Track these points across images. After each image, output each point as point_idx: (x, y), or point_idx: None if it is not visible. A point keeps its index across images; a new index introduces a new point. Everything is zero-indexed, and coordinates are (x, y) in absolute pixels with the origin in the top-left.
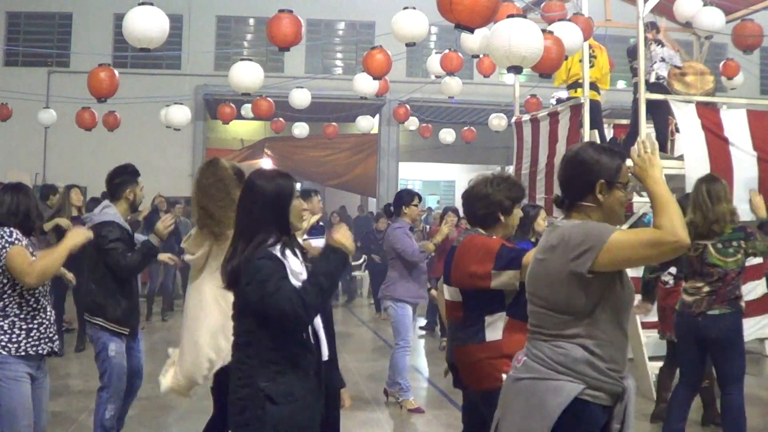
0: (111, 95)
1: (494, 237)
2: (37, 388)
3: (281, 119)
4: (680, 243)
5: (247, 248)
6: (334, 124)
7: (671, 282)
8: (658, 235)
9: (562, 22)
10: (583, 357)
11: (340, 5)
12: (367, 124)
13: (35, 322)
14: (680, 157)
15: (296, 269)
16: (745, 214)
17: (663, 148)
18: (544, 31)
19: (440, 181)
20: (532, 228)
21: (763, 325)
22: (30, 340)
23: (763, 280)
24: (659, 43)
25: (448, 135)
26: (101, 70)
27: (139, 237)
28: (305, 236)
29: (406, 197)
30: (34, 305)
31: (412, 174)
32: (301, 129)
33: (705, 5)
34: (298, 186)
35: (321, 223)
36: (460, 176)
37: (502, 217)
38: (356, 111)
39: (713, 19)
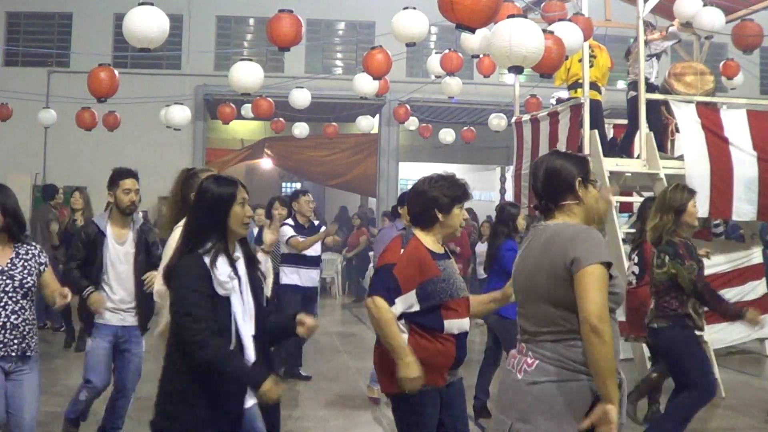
0: (111, 95)
1: (402, 250)
2: (15, 384)
3: (281, 119)
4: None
5: (181, 252)
6: (334, 124)
7: (634, 282)
8: (598, 326)
9: (563, 22)
10: None
11: (340, 5)
12: (367, 124)
13: None
14: (680, 157)
15: (223, 279)
16: (747, 214)
17: (662, 147)
18: (544, 31)
19: None
20: (515, 226)
21: (763, 325)
22: None
23: (763, 280)
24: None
25: (448, 135)
26: (101, 70)
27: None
28: (293, 233)
29: (404, 197)
30: None
31: (412, 174)
32: (301, 129)
33: (705, 5)
34: (238, 192)
35: (317, 222)
36: (460, 176)
37: (440, 216)
38: (356, 111)
39: (713, 19)
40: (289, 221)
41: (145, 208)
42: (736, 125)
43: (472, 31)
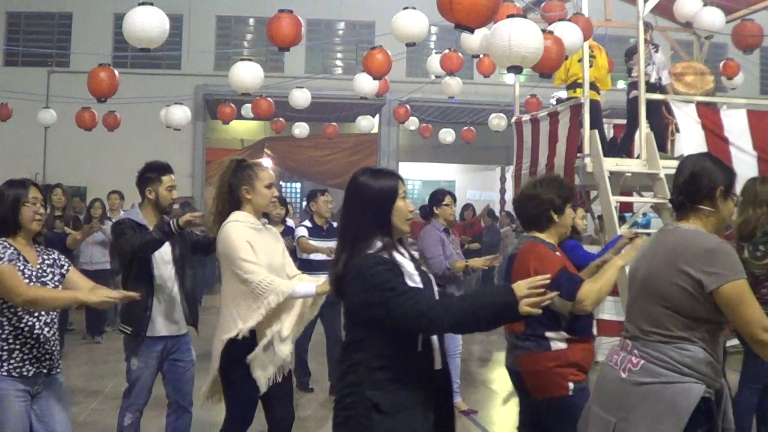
0: (111, 95)
1: (556, 253)
2: (41, 404)
3: (281, 119)
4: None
5: (351, 254)
6: (334, 124)
7: None
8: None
9: (562, 22)
10: (706, 358)
11: (340, 5)
12: (367, 124)
13: (17, 342)
14: (680, 157)
15: (411, 270)
16: None
17: (662, 147)
18: (544, 31)
19: (440, 181)
20: (575, 226)
21: None
22: (12, 361)
23: None
24: (655, 47)
25: (448, 135)
26: (101, 70)
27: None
28: (304, 234)
29: (437, 196)
30: (16, 324)
31: (412, 174)
32: (301, 129)
33: (705, 5)
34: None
35: (335, 224)
36: (460, 176)
37: (555, 217)
38: (356, 111)
39: (713, 19)
40: (306, 223)
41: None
42: (736, 125)
43: (472, 31)
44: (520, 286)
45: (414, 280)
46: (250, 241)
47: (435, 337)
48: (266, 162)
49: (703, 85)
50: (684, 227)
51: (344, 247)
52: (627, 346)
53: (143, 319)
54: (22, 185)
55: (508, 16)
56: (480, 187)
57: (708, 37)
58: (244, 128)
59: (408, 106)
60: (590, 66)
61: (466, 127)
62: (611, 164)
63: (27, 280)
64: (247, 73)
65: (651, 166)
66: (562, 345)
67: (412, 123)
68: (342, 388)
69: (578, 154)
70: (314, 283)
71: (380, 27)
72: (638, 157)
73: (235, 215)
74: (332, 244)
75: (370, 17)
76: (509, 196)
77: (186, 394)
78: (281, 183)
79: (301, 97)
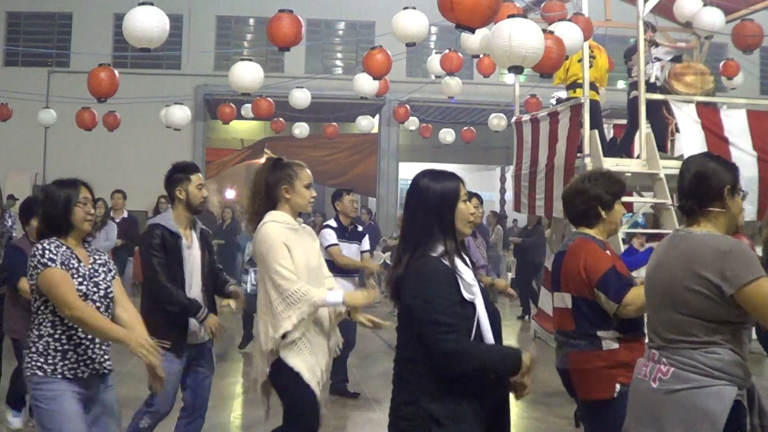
0: (111, 95)
1: (607, 251)
2: (94, 406)
3: (281, 119)
4: None
5: (412, 257)
6: (334, 124)
7: None
8: None
9: (563, 22)
10: (734, 359)
11: (340, 5)
12: (367, 124)
13: (71, 343)
14: (680, 157)
15: (468, 280)
16: (748, 214)
17: (662, 147)
18: (544, 31)
19: None
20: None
21: None
22: (66, 362)
23: None
24: (654, 44)
25: (448, 135)
26: (101, 70)
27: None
28: (334, 240)
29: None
30: (69, 324)
31: (412, 174)
32: (301, 129)
33: (705, 5)
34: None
35: (360, 228)
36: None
37: (603, 213)
38: (356, 111)
39: (713, 19)
40: (332, 222)
41: (144, 207)
42: (736, 125)
43: (472, 31)
44: (526, 364)
45: (471, 291)
46: (287, 243)
47: (490, 338)
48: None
49: (703, 85)
50: (696, 231)
51: (406, 250)
52: (654, 356)
53: (182, 335)
54: (72, 185)
55: (509, 16)
56: (480, 187)
57: (708, 37)
58: (244, 128)
59: (408, 106)
60: (590, 66)
61: (466, 127)
62: (611, 164)
63: (81, 279)
64: (247, 73)
65: (651, 166)
66: (614, 345)
67: (412, 123)
68: (398, 399)
69: (578, 154)
70: (342, 292)
71: (380, 27)
72: (638, 157)
73: (273, 215)
74: (355, 247)
75: (370, 17)
76: (509, 196)
77: (204, 400)
78: None
79: (301, 97)
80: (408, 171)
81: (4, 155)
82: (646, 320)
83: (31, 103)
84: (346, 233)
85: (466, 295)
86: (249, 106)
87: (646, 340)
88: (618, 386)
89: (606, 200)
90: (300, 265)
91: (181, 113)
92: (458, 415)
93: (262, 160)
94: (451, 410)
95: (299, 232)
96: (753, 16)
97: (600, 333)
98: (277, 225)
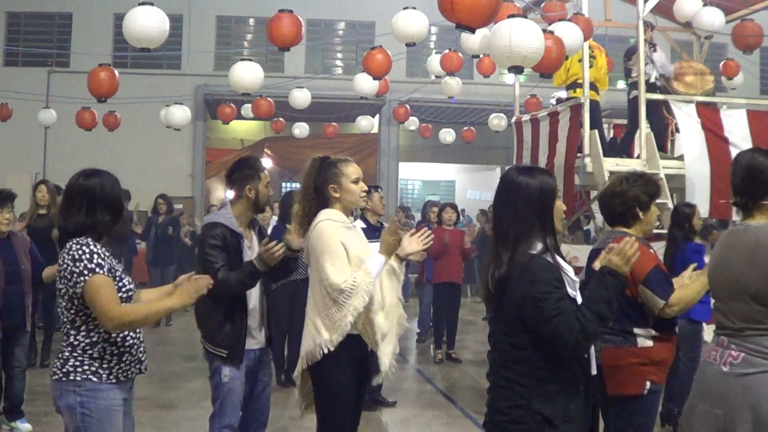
0: (111, 95)
1: (649, 250)
2: (126, 413)
3: (281, 119)
4: None
5: (514, 255)
6: (334, 124)
7: None
8: None
9: (563, 22)
10: None
11: (340, 5)
12: (367, 124)
13: (126, 344)
14: (680, 157)
15: (572, 276)
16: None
17: (662, 147)
18: (544, 31)
19: (440, 181)
20: (692, 227)
21: None
22: (122, 365)
23: None
24: (653, 46)
25: (448, 135)
26: (101, 70)
27: None
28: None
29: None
30: None
31: (412, 174)
32: (301, 129)
33: (705, 5)
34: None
35: (383, 225)
36: (460, 176)
37: (640, 213)
38: (356, 111)
39: (713, 19)
40: (360, 222)
41: (144, 208)
42: (736, 125)
43: (472, 31)
44: (613, 261)
45: (574, 287)
46: (344, 242)
47: None
48: (266, 162)
49: (703, 85)
50: (754, 225)
51: (505, 248)
52: (723, 342)
53: (240, 339)
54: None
55: (509, 16)
56: (480, 187)
57: (708, 37)
58: (244, 128)
59: (408, 106)
60: (590, 66)
61: (466, 127)
62: (611, 164)
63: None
64: (247, 73)
65: (651, 166)
66: (649, 342)
67: (412, 123)
68: (505, 403)
69: (578, 154)
70: (377, 255)
71: (380, 27)
72: (638, 157)
73: (327, 213)
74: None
75: (370, 17)
76: None
77: (265, 408)
78: (281, 183)
79: (301, 97)
80: (408, 171)
81: (4, 155)
82: (712, 308)
83: (31, 103)
84: (375, 232)
85: (570, 292)
86: (249, 106)
87: (714, 327)
88: (648, 383)
89: (644, 201)
90: (356, 265)
91: (181, 113)
92: (569, 414)
93: (263, 159)
94: (563, 410)
95: (352, 231)
96: (753, 16)
97: (636, 330)
98: (332, 223)
